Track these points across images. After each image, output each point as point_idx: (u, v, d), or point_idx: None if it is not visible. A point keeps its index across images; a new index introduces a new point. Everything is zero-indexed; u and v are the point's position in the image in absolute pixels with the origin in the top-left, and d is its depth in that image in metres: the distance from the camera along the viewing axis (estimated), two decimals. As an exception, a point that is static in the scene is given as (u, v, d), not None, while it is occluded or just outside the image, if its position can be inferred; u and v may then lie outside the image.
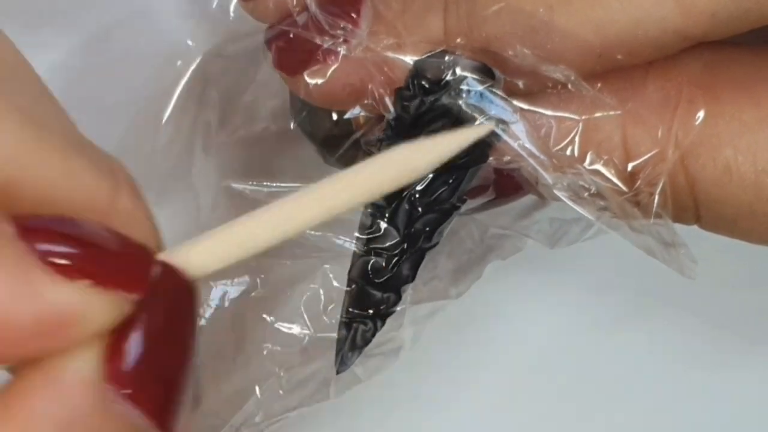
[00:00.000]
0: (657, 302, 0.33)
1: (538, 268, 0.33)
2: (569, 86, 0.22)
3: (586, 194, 0.23)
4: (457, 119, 0.23)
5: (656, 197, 0.22)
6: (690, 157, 0.22)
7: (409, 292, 0.25)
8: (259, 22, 0.25)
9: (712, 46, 0.23)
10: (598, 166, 0.23)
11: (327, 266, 0.28)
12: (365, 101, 0.24)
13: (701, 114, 0.22)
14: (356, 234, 0.25)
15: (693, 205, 0.23)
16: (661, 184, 0.22)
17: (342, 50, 0.23)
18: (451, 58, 0.23)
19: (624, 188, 0.23)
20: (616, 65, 0.22)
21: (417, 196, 0.24)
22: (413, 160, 0.22)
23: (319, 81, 0.24)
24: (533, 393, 0.33)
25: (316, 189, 0.21)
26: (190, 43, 0.27)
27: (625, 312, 0.33)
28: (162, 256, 0.19)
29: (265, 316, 0.28)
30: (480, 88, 0.23)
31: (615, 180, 0.23)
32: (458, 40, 0.23)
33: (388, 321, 0.25)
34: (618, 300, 0.33)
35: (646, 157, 0.22)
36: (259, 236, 0.20)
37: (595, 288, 0.33)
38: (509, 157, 0.23)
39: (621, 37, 0.21)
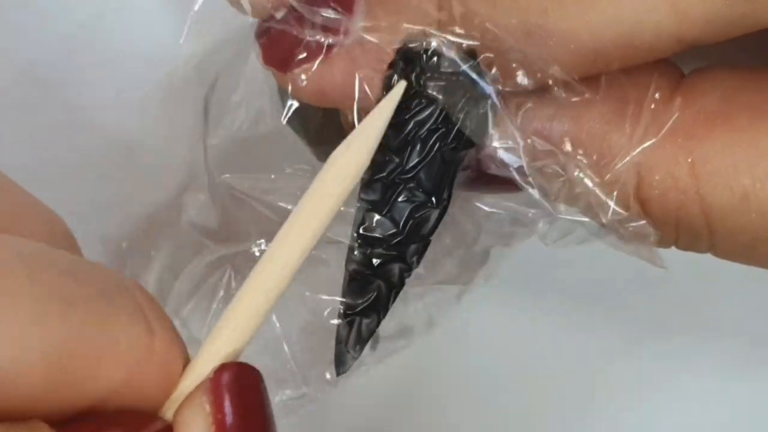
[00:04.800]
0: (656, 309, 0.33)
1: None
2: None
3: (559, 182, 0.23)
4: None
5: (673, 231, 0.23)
6: (706, 187, 0.22)
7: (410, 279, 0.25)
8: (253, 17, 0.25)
9: (730, 72, 0.23)
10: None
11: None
12: (356, 95, 0.23)
13: (718, 143, 0.22)
14: (353, 232, 0.24)
15: (708, 234, 0.23)
16: (674, 216, 0.23)
17: (330, 43, 0.23)
18: (434, 40, 0.23)
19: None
20: (611, 69, 0.22)
21: (412, 186, 0.24)
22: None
23: (306, 79, 0.23)
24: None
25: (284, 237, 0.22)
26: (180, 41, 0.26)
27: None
28: (198, 365, 0.20)
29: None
30: (461, 67, 0.23)
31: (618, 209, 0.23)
32: (448, 29, 0.23)
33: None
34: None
35: (661, 186, 0.22)
36: (260, 304, 0.21)
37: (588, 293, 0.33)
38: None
39: (616, 41, 0.21)
